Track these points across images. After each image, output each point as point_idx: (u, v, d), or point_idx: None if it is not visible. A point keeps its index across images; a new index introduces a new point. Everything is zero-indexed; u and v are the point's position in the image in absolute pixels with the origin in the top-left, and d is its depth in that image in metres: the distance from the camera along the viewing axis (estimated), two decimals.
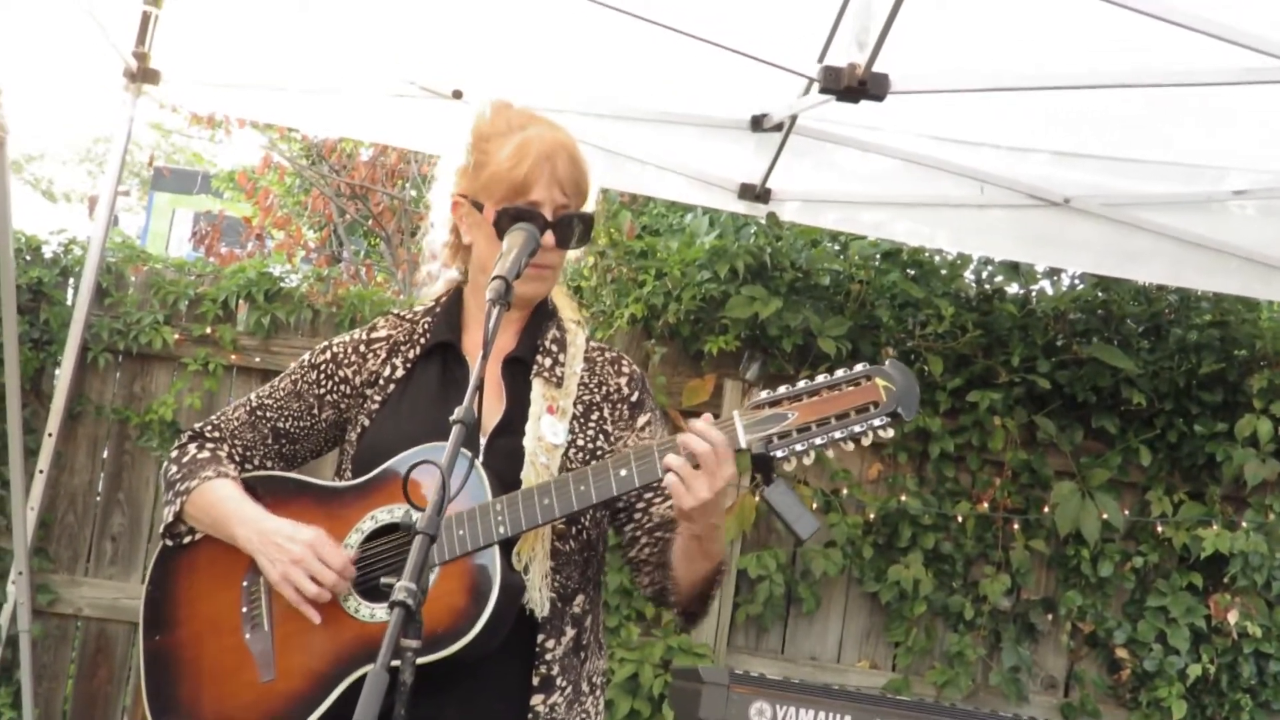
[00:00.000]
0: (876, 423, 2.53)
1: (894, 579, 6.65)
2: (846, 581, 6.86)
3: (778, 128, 5.58)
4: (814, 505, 6.63)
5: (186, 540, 2.93)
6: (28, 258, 6.70)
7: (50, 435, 6.16)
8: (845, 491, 6.77)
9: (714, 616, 6.63)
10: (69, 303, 6.63)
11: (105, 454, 6.76)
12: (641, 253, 6.92)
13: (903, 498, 6.73)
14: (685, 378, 6.76)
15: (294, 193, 11.45)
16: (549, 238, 2.78)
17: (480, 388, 2.36)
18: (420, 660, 2.51)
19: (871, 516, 6.75)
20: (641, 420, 2.96)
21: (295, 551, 2.71)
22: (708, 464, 2.54)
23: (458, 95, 5.59)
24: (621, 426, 2.93)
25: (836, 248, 7.13)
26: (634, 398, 2.97)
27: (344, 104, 5.81)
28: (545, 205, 2.80)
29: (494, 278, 2.52)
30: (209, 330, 6.70)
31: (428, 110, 5.66)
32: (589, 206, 2.91)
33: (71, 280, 6.75)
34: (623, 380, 2.98)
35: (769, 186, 6.03)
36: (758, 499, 6.47)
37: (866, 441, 2.56)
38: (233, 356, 6.72)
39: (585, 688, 2.88)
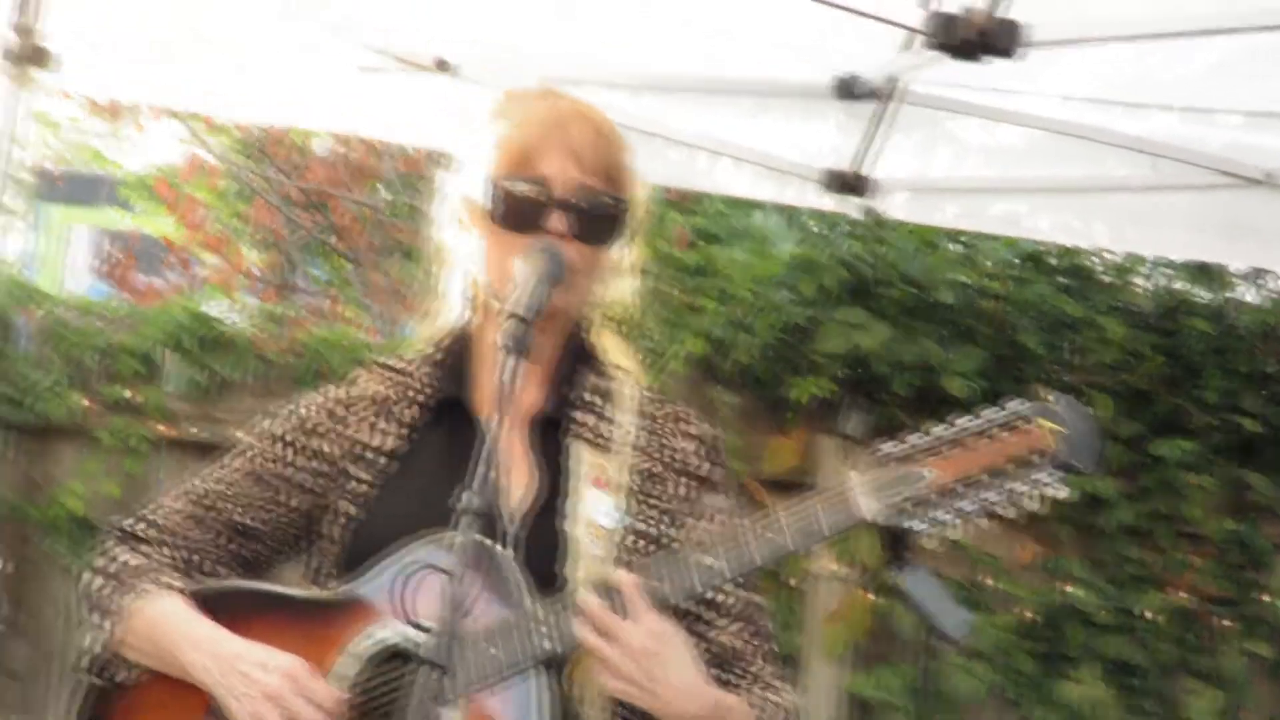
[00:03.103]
0: (1044, 478, 2.50)
1: (1063, 699, 6.67)
2: (998, 705, 6.87)
3: (873, 94, 5.63)
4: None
5: (120, 676, 2.93)
6: None
7: None
8: (991, 582, 6.79)
9: None
10: None
11: None
12: (698, 268, 6.97)
13: (1069, 589, 6.76)
14: (764, 435, 6.82)
15: (229, 201, 11.52)
16: (557, 220, 2.78)
17: (493, 461, 2.39)
18: None
19: (1028, 615, 6.78)
20: (711, 504, 2.95)
21: (269, 684, 2.70)
22: (606, 626, 2.57)
23: (443, 66, 5.65)
24: (686, 510, 2.92)
25: (961, 252, 7.17)
26: (703, 470, 2.96)
27: (292, 83, 5.89)
28: (555, 181, 2.81)
29: (508, 316, 2.55)
30: (128, 394, 6.83)
31: (404, 87, 5.72)
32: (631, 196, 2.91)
33: None
34: (689, 445, 2.97)
35: (865, 173, 6.05)
36: (871, 595, 6.52)
37: (1032, 504, 2.52)
38: (161, 427, 6.84)
39: None
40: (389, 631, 2.74)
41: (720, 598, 2.83)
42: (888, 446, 2.58)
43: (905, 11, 4.43)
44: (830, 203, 6.20)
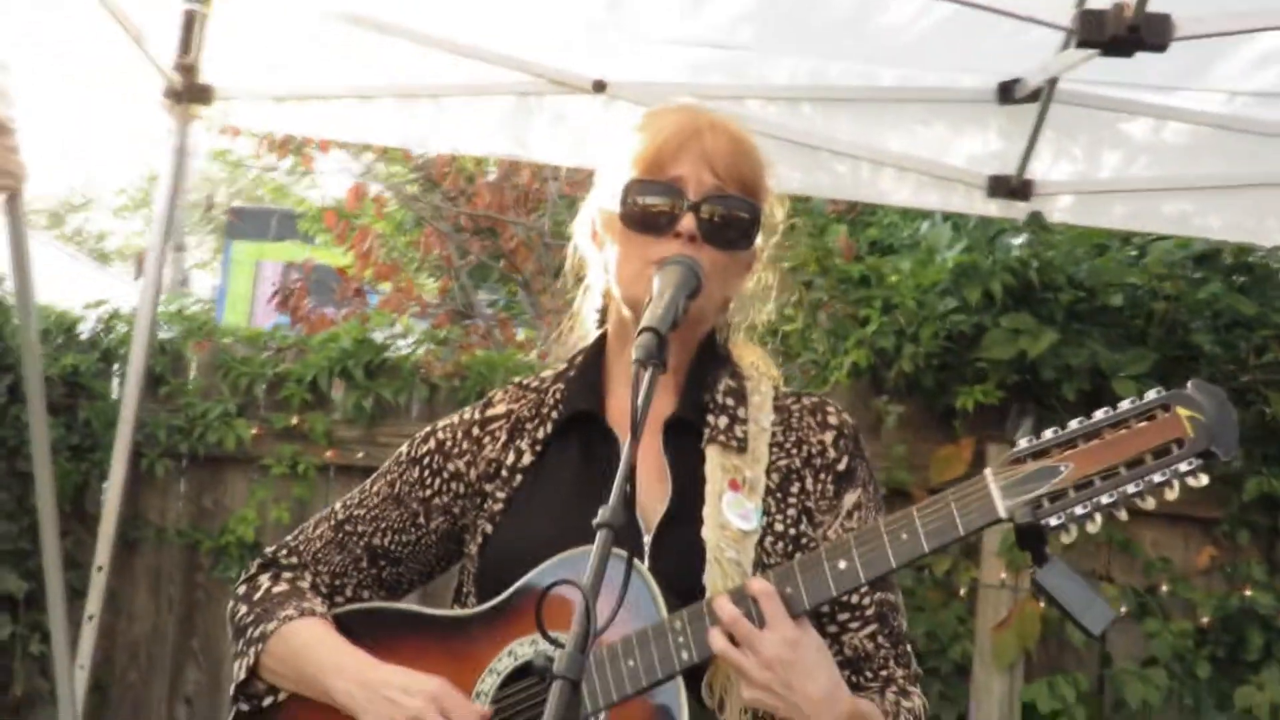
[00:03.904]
0: (1182, 467, 2.42)
1: (1243, 705, 6.49)
2: (1176, 712, 6.70)
3: (1032, 97, 5.56)
4: (1122, 608, 6.52)
5: (267, 702, 2.97)
6: (59, 340, 6.97)
7: (100, 569, 6.19)
8: (1165, 588, 6.65)
9: None
10: (114, 396, 6.85)
11: (172, 590, 6.98)
12: (862, 278, 6.91)
13: (1247, 593, 6.59)
14: (932, 445, 6.74)
15: (406, 230, 11.60)
16: (688, 221, 2.75)
17: (631, 474, 2.36)
18: None
19: (1205, 621, 6.62)
20: (849, 500, 2.88)
21: (412, 707, 2.72)
22: (740, 635, 2.55)
23: (600, 88, 5.70)
24: (824, 507, 2.87)
25: (1133, 254, 7.03)
26: (841, 464, 2.90)
27: (452, 111, 5.95)
28: (688, 184, 2.80)
29: (641, 330, 2.51)
30: (295, 420, 6.91)
31: (563, 110, 5.79)
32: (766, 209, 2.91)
33: (116, 366, 6.99)
34: (827, 437, 2.92)
35: (1028, 177, 5.98)
36: (1042, 604, 6.40)
37: (1171, 495, 2.44)
38: (328, 454, 6.91)
39: None
40: (527, 648, 2.76)
41: (855, 599, 2.79)
42: (1023, 443, 2.54)
43: (1057, 11, 4.34)
44: (995, 208, 6.14)
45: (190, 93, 5.80)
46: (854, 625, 2.81)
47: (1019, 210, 6.10)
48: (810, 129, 5.81)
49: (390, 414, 6.94)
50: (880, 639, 2.82)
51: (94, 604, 6.21)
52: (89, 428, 6.86)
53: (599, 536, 2.30)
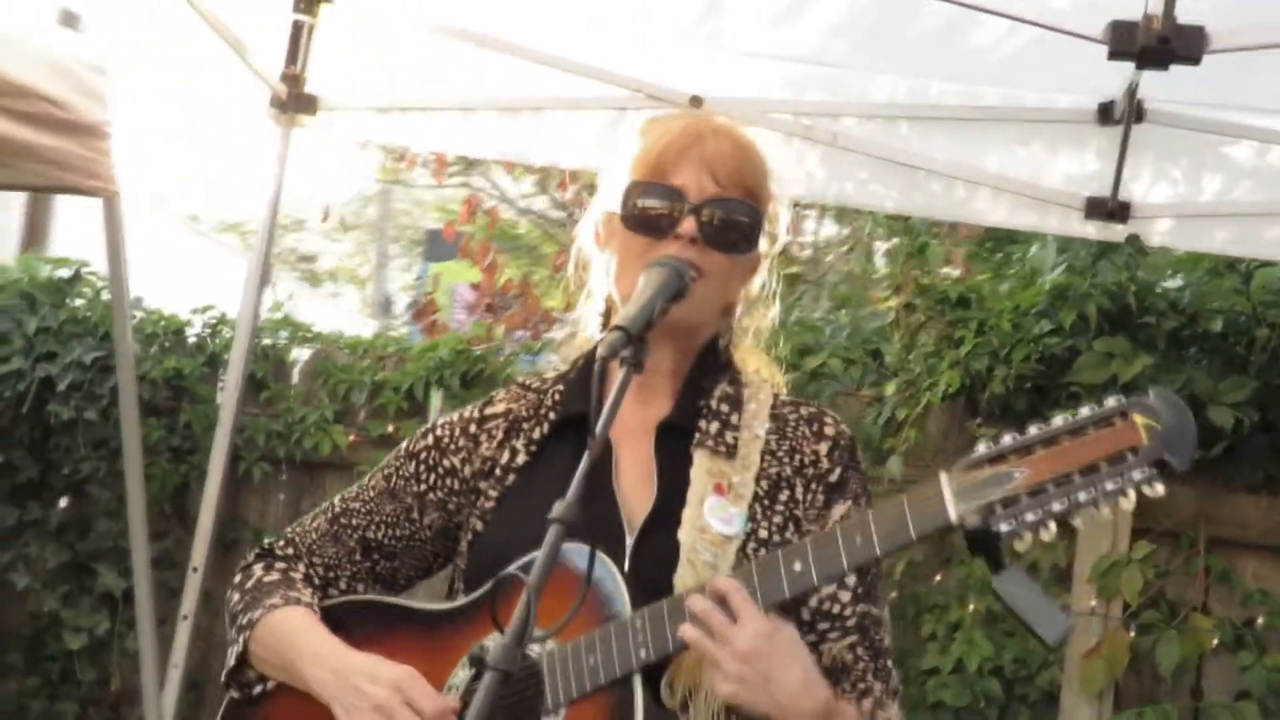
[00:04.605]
0: (1136, 475, 2.39)
1: None
2: None
3: (1136, 118, 5.47)
4: (1215, 640, 6.36)
5: (257, 690, 3.00)
6: (165, 343, 7.09)
7: (196, 570, 6.29)
8: (1261, 621, 6.49)
9: None
10: (218, 400, 6.93)
11: None
12: (960, 299, 6.82)
13: None
14: None
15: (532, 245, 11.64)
16: (689, 224, 2.78)
17: (591, 472, 2.38)
18: None
19: None
20: (838, 511, 2.85)
21: (376, 695, 2.73)
22: (715, 628, 2.52)
23: (697, 103, 5.70)
24: (812, 516, 2.85)
25: (1235, 279, 6.88)
26: (834, 475, 2.88)
27: (551, 124, 6.01)
28: (689, 189, 2.82)
29: (613, 328, 2.53)
30: (391, 429, 6.96)
31: None
32: (769, 214, 2.93)
33: (221, 371, 7.09)
34: (822, 448, 2.90)
35: (1126, 199, 5.87)
36: (1132, 633, 6.29)
37: (1127, 504, 2.40)
38: None
39: None
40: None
41: (836, 609, 2.79)
42: (980, 448, 2.50)
43: (1090, 24, 4.27)
44: (1092, 230, 6.05)
45: (295, 103, 5.88)
46: (833, 635, 2.79)
47: (1117, 233, 5.99)
48: (906, 148, 5.80)
49: None
50: (860, 651, 2.80)
51: (188, 604, 6.32)
52: (189, 430, 6.96)
53: (550, 532, 2.33)
